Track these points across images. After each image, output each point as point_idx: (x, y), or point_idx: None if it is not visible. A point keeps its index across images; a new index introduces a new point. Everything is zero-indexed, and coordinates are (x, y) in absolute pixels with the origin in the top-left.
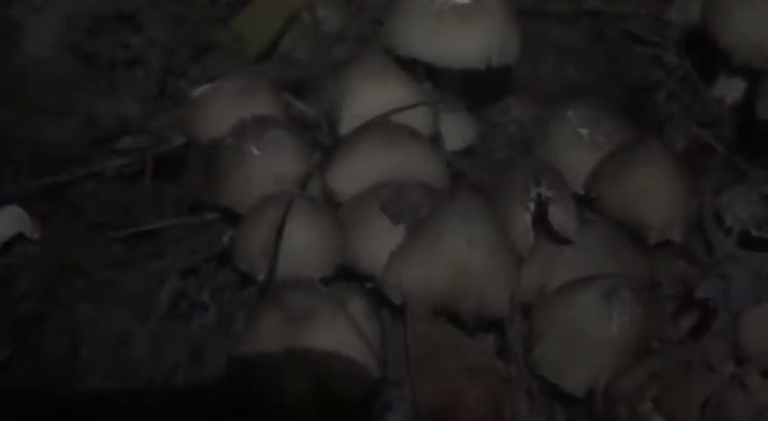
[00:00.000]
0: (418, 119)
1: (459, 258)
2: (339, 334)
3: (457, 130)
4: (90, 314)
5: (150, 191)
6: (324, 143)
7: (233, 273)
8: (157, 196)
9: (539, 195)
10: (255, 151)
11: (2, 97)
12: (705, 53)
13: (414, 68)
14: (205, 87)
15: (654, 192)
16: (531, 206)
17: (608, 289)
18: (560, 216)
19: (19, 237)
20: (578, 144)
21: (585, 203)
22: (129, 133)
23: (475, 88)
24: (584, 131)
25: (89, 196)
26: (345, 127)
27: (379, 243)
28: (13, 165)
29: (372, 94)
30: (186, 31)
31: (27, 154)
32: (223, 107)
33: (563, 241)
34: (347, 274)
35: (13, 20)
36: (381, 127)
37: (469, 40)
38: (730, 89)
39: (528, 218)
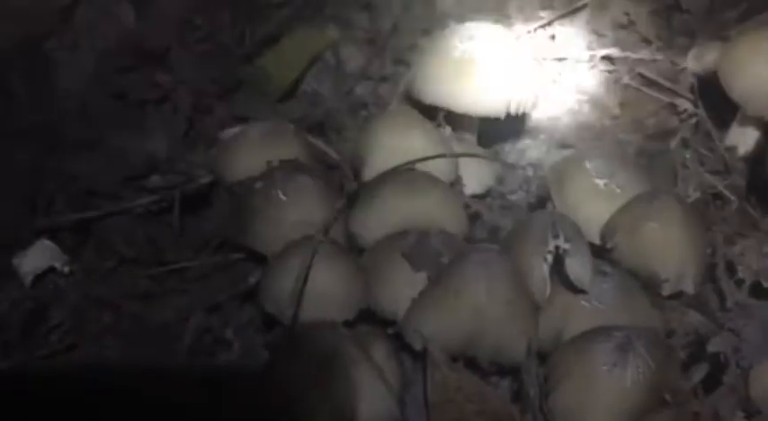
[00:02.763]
0: (439, 165)
1: (477, 306)
2: (361, 376)
3: (475, 174)
4: (117, 347)
5: (177, 228)
6: (348, 189)
7: (257, 312)
8: (184, 234)
9: (556, 247)
10: (283, 197)
11: (35, 131)
12: (719, 102)
13: (434, 113)
14: (233, 128)
15: (667, 245)
16: (549, 257)
17: (622, 341)
18: (576, 267)
19: (50, 270)
20: (595, 195)
21: (601, 254)
22: (158, 171)
23: (492, 130)
24: (600, 182)
25: (118, 232)
26: (369, 174)
27: (400, 289)
28: (44, 198)
29: (396, 142)
30: (214, 70)
31: (59, 188)
32: (250, 149)
33: (579, 291)
34: (369, 319)
35: (47, 55)
36: (404, 174)
37: (489, 88)
38: (743, 139)
39: (545, 268)
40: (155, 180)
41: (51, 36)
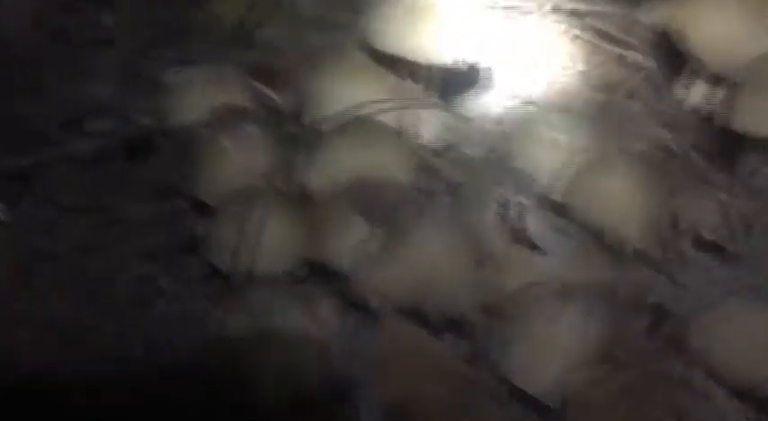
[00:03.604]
0: (394, 116)
1: (428, 261)
2: (305, 331)
3: (431, 127)
4: (56, 299)
5: (119, 175)
6: (297, 137)
7: (200, 262)
8: (127, 180)
9: (510, 201)
10: (228, 144)
11: None
12: (671, 55)
13: (391, 64)
14: (178, 72)
15: (619, 200)
16: (504, 212)
17: (580, 297)
18: (531, 222)
19: None
20: (551, 148)
21: (554, 208)
22: (100, 115)
23: (452, 84)
24: (556, 136)
25: (58, 179)
26: (320, 121)
27: (349, 241)
28: None
29: (349, 90)
30: (161, 13)
31: None
32: (195, 93)
33: (532, 246)
34: (315, 271)
35: None
36: (357, 124)
37: (439, 36)
38: (693, 92)
39: (499, 224)
40: (96, 124)
41: None
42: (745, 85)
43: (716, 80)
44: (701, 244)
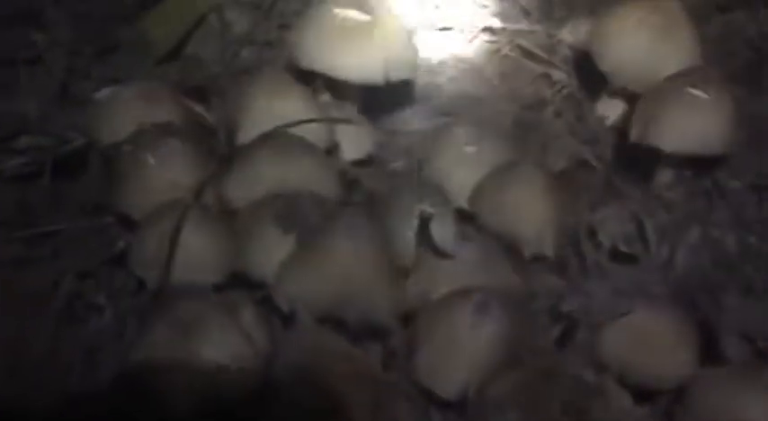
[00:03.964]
0: (315, 130)
1: (344, 269)
2: (229, 342)
3: (354, 141)
4: None
5: (49, 191)
6: (221, 152)
7: (129, 277)
8: (56, 197)
9: (422, 211)
10: (152, 160)
11: None
12: (592, 74)
13: (314, 80)
14: (107, 89)
15: (528, 210)
16: (415, 222)
17: (480, 302)
18: (441, 232)
19: None
20: (464, 161)
21: (467, 219)
22: (29, 133)
23: (375, 99)
24: (470, 149)
25: None
26: (244, 137)
27: (270, 253)
28: None
29: (271, 107)
30: (90, 30)
31: None
32: (124, 110)
33: (443, 255)
34: (239, 282)
35: None
36: (278, 138)
37: (368, 55)
38: (611, 110)
39: (411, 233)
40: (25, 141)
41: None
42: (656, 103)
43: (632, 98)
44: (615, 255)
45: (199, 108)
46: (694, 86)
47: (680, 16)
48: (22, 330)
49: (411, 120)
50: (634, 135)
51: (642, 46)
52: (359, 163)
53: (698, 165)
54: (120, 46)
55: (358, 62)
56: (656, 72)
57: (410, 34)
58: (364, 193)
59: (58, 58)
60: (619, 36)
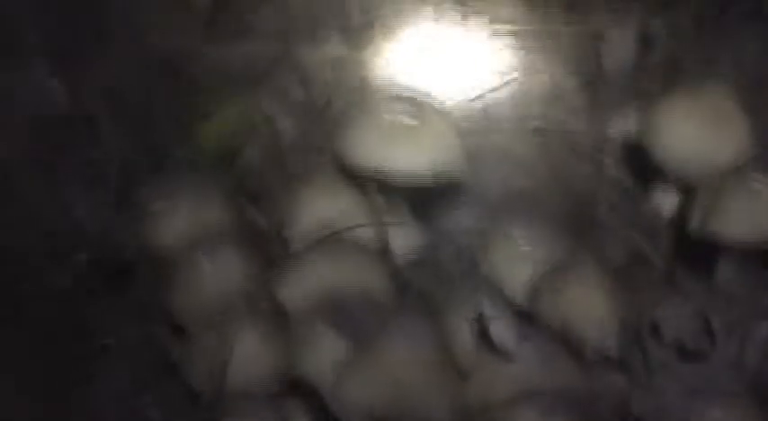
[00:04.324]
0: (367, 233)
1: (401, 374)
2: None
3: (406, 242)
4: None
5: (103, 303)
6: (275, 257)
7: (183, 387)
8: (110, 308)
9: (481, 313)
10: (207, 268)
11: None
12: (644, 167)
13: (365, 183)
14: (162, 199)
15: (588, 308)
16: (473, 323)
17: (545, 405)
18: (500, 333)
19: None
20: (520, 260)
21: (526, 318)
22: (86, 245)
23: (425, 199)
24: (524, 247)
25: (43, 308)
26: (297, 242)
27: (325, 358)
28: None
29: (323, 211)
30: (146, 142)
31: None
32: (179, 219)
33: (503, 357)
34: (294, 389)
35: None
36: (330, 242)
37: (416, 157)
38: (667, 202)
39: (470, 335)
40: (81, 255)
41: None
42: (714, 193)
43: (687, 190)
44: (681, 352)
45: (252, 214)
46: (753, 174)
47: (729, 103)
48: None
49: (463, 219)
50: (693, 227)
51: (693, 135)
52: (411, 264)
53: (761, 256)
54: (175, 156)
55: (407, 165)
56: (711, 161)
57: (458, 133)
58: (418, 295)
59: (112, 170)
60: (668, 127)
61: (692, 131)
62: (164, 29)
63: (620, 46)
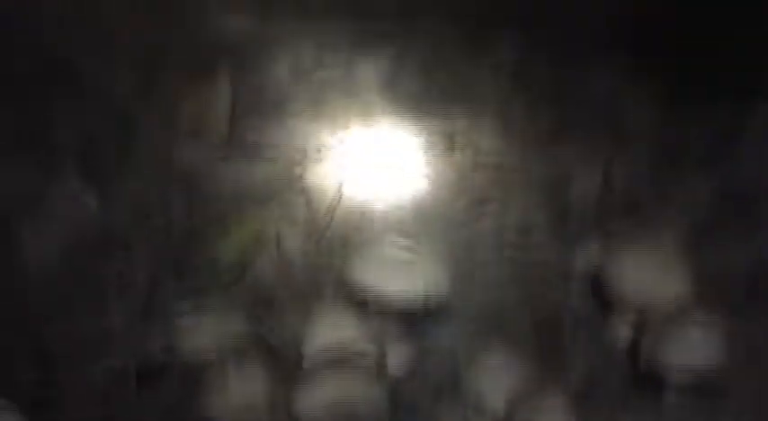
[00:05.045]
0: (368, 350)
1: None
2: None
3: (400, 358)
4: None
5: (133, 405)
6: (289, 371)
7: None
8: (139, 411)
9: (464, 418)
10: (231, 382)
11: (4, 302)
12: (604, 299)
13: (366, 305)
14: (186, 306)
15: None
16: None
17: None
18: None
19: None
20: (498, 375)
21: None
22: (114, 349)
23: (416, 321)
24: (498, 363)
25: (76, 408)
26: (308, 360)
27: None
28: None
29: (332, 332)
30: (169, 254)
31: (22, 358)
32: (203, 327)
33: None
34: None
35: (16, 237)
36: (338, 360)
37: (410, 286)
38: (621, 334)
39: None
40: (111, 355)
41: (21, 219)
42: (660, 326)
43: (640, 321)
44: None
45: (264, 329)
46: (693, 311)
47: (677, 246)
48: None
49: (447, 337)
50: (643, 355)
51: (644, 275)
52: (404, 378)
53: (701, 385)
54: (195, 267)
55: (403, 292)
56: (658, 297)
57: (445, 265)
58: (408, 406)
59: (140, 278)
60: (625, 265)
61: (645, 271)
62: (185, 148)
63: (586, 184)
